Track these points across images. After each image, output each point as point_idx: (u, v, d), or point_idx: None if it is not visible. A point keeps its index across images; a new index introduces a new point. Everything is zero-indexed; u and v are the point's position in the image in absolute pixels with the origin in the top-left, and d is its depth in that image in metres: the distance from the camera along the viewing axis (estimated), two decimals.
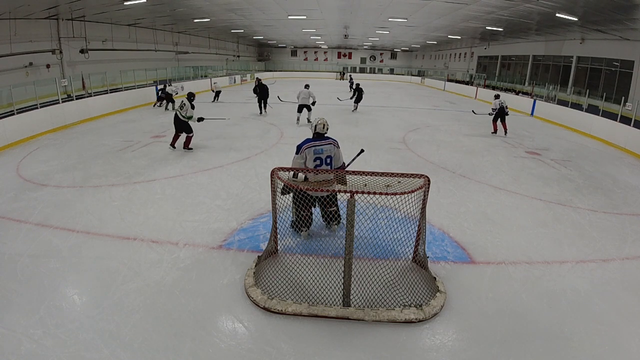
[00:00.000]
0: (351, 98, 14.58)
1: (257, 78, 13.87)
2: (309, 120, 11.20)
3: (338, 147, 4.14)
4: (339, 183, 3.49)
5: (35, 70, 12.62)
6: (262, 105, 13.03)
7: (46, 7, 11.75)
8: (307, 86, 11.69)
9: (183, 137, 7.94)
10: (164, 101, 14.08)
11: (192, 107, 7.70)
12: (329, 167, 4.06)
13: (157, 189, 5.73)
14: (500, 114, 10.47)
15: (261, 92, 12.88)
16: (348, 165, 4.41)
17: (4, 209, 4.92)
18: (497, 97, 10.97)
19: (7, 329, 2.77)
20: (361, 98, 14.09)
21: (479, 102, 20.18)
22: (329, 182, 3.78)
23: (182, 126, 7.78)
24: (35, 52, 12.50)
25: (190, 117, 7.67)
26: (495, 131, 10.79)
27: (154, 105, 14.84)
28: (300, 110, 11.30)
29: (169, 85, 14.44)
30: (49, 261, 3.70)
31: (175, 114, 7.72)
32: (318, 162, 4.00)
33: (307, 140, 4.07)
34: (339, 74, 35.99)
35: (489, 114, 10.89)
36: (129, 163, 7.06)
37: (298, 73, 35.39)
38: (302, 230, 4.16)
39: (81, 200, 5.27)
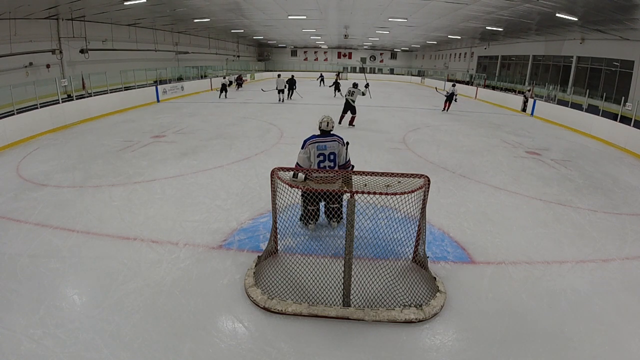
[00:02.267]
0: (330, 86, 20.80)
1: (292, 75, 19.33)
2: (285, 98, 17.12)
3: (343, 144, 4.21)
4: (345, 183, 3.49)
5: (35, 70, 12.61)
6: (290, 93, 17.63)
7: (46, 7, 11.74)
8: (279, 75, 17.36)
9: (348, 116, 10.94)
10: (237, 86, 19.25)
11: (361, 89, 10.90)
12: (332, 163, 4.16)
13: (157, 189, 5.73)
14: (450, 97, 14.99)
15: (290, 84, 17.67)
16: (347, 159, 4.42)
17: (4, 209, 4.92)
18: (453, 85, 16.21)
19: (7, 329, 2.76)
20: (339, 88, 19.31)
21: (479, 101, 20.19)
22: (331, 179, 3.80)
23: (350, 108, 10.76)
24: (35, 52, 12.50)
25: (364, 94, 10.97)
26: (444, 109, 15.13)
27: (237, 89, 20.81)
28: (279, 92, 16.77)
29: (225, 77, 19.34)
30: (49, 261, 3.70)
31: (347, 100, 10.75)
32: (321, 157, 4.12)
33: (313, 136, 4.20)
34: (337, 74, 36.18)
35: (445, 94, 15.41)
36: (129, 163, 7.06)
37: (298, 73, 35.40)
38: (309, 224, 4.35)
39: (81, 200, 5.27)
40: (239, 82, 22.13)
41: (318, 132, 4.29)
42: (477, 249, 4.13)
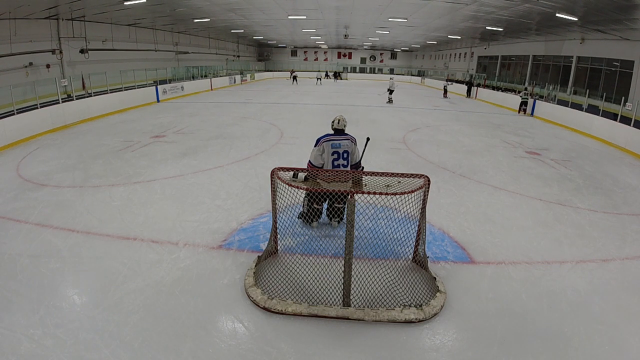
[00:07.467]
0: (333, 77, 31.71)
1: (335, 72, 31.76)
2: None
3: (355, 143, 4.26)
4: (354, 184, 3.49)
5: (35, 70, 12.61)
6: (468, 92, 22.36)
7: (46, 7, 11.74)
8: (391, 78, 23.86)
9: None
10: (334, 78, 28.88)
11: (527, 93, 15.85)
12: (346, 162, 4.19)
13: (157, 189, 5.73)
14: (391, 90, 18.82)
15: (469, 85, 22.54)
16: (361, 157, 4.46)
17: (4, 209, 4.92)
18: (391, 78, 20.95)
19: (7, 329, 2.76)
20: (335, 77, 30.89)
21: (479, 101, 20.20)
22: (341, 179, 3.80)
23: (524, 103, 15.42)
24: (35, 52, 12.50)
25: (528, 95, 15.75)
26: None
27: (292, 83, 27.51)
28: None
29: (294, 71, 28.90)
30: (49, 261, 3.70)
31: (521, 98, 15.54)
32: (335, 155, 4.16)
33: (327, 135, 4.24)
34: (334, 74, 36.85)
35: (388, 89, 18.40)
36: (129, 163, 7.06)
37: (298, 73, 35.42)
38: (312, 222, 4.41)
39: (81, 200, 5.27)
40: (336, 76, 33.67)
41: (326, 132, 4.32)
42: (477, 249, 4.13)
